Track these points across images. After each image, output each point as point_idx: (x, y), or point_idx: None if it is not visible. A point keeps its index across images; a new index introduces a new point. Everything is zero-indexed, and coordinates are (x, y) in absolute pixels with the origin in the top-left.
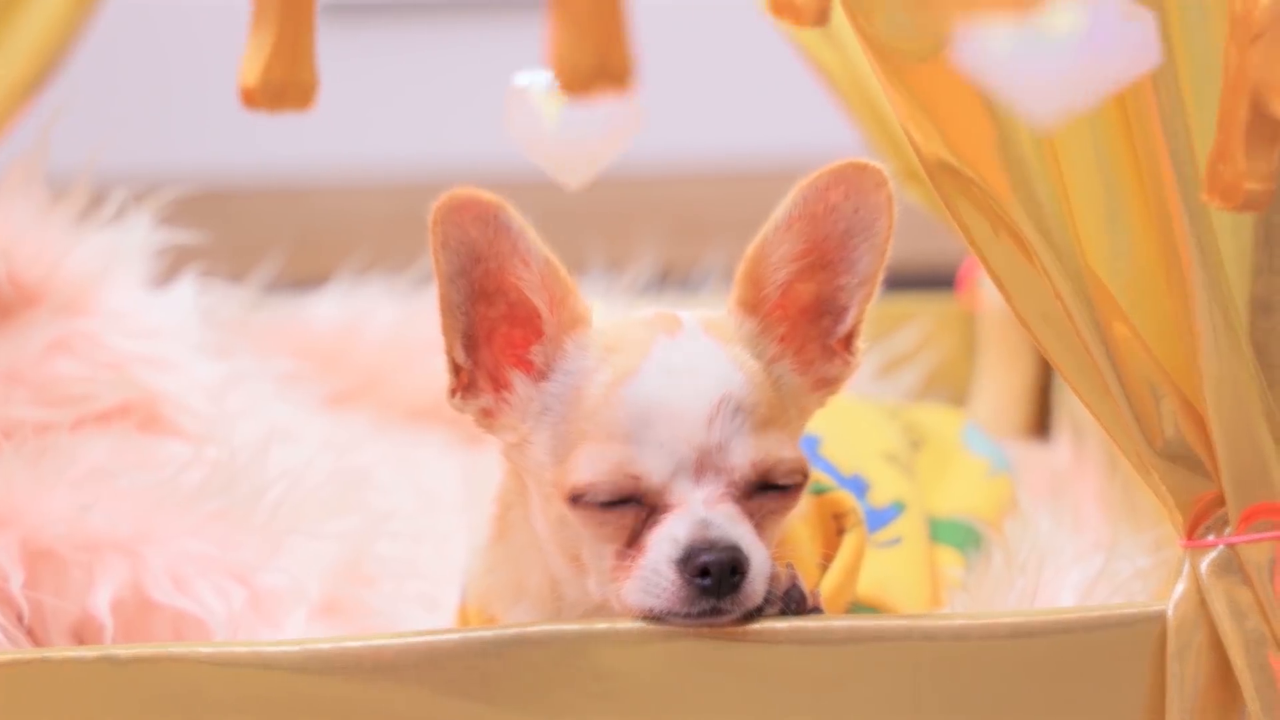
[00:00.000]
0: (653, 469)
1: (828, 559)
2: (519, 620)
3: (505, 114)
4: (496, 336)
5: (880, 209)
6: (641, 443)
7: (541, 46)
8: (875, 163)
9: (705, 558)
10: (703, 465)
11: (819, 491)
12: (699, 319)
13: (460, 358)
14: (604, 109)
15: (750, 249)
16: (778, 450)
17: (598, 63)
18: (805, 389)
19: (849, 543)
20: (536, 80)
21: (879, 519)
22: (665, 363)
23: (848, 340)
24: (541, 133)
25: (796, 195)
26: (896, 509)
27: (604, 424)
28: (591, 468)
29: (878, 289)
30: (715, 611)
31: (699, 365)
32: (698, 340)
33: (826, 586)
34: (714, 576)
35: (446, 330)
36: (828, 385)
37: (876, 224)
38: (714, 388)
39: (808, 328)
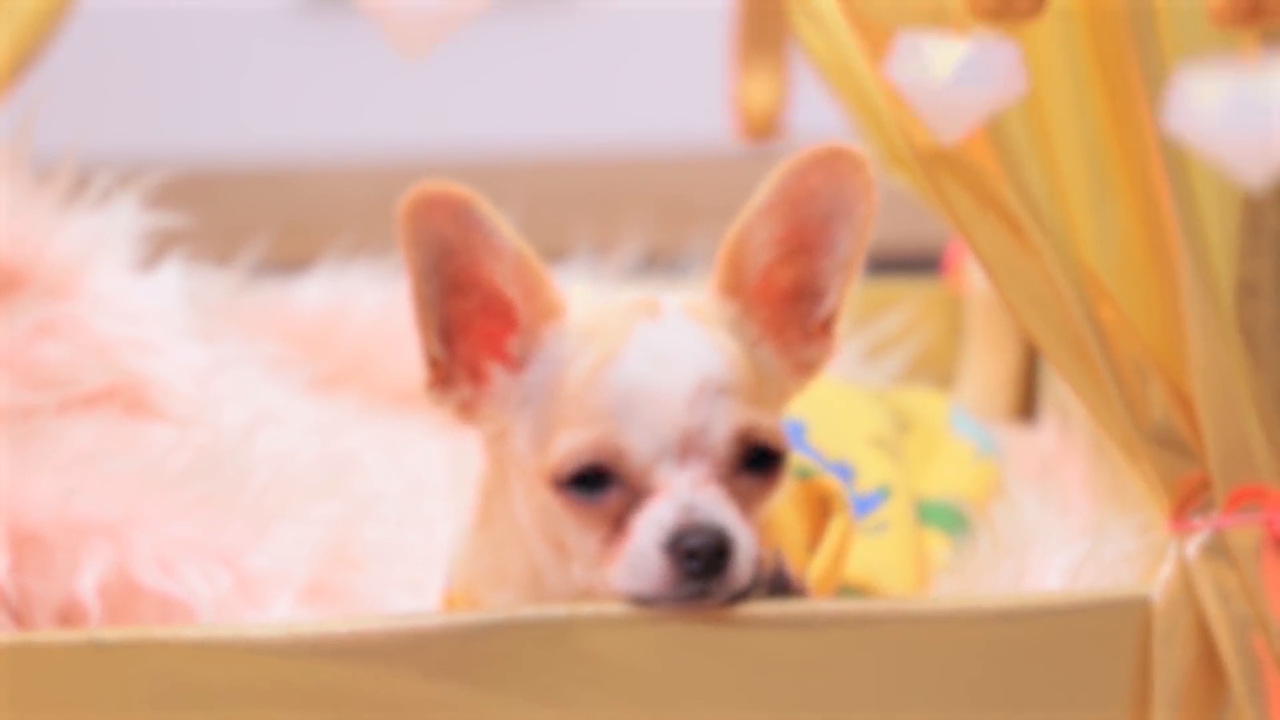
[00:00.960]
0: (635, 449)
1: (814, 543)
2: (503, 605)
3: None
4: (472, 329)
5: (860, 193)
6: (624, 424)
7: (526, 35)
8: (855, 147)
9: (692, 541)
10: (686, 448)
11: (805, 476)
12: (680, 303)
13: (436, 351)
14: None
15: (731, 233)
16: (758, 420)
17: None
18: (786, 372)
19: (836, 527)
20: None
21: (865, 505)
22: (646, 346)
23: (827, 324)
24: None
25: (776, 179)
26: (882, 495)
27: (586, 408)
28: (572, 444)
29: (857, 273)
30: (702, 594)
31: (680, 348)
32: (679, 324)
33: (814, 570)
34: (701, 559)
35: (421, 324)
36: (808, 369)
37: (856, 208)
38: (696, 370)
39: (788, 311)
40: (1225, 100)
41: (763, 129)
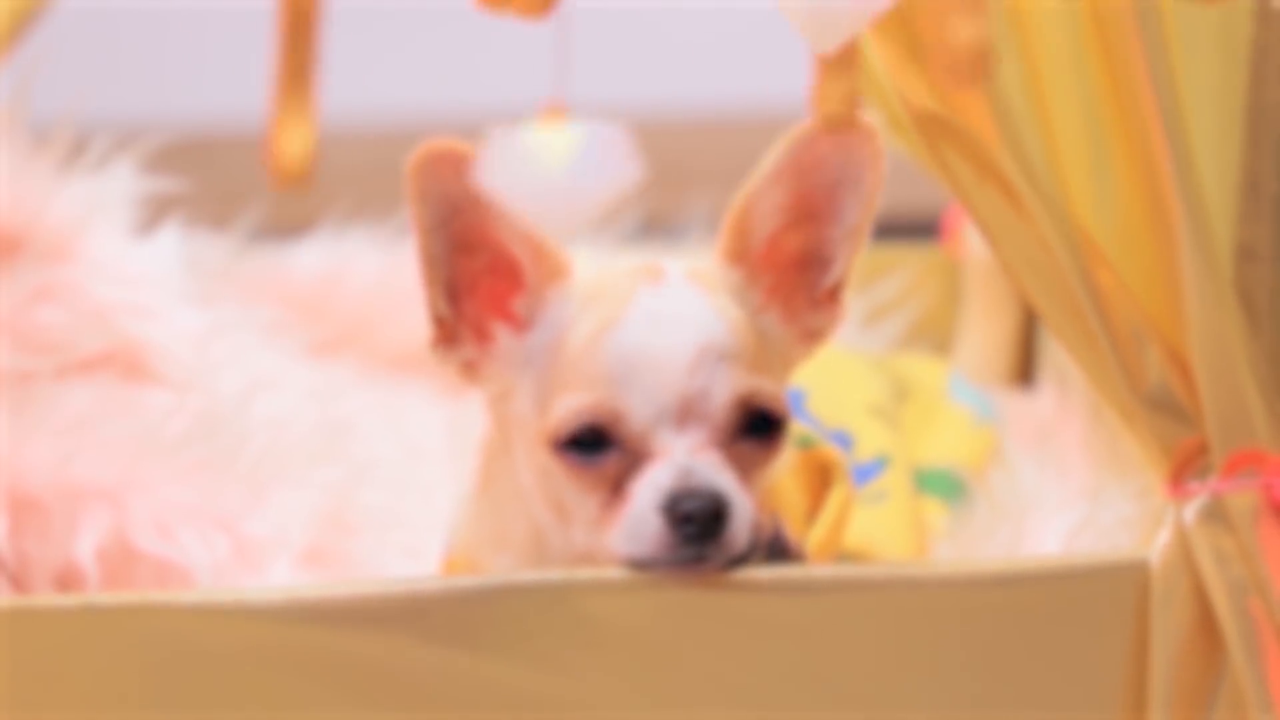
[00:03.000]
0: (634, 413)
1: (814, 512)
2: (503, 569)
3: None
4: (479, 289)
5: (868, 161)
6: (623, 388)
7: None
8: (864, 115)
9: (688, 504)
10: (685, 413)
11: (806, 445)
12: (683, 269)
13: (442, 310)
14: None
15: (737, 200)
16: (758, 388)
17: None
18: (791, 340)
19: (836, 495)
20: None
21: (863, 474)
22: (648, 311)
23: (834, 292)
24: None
25: (785, 146)
26: (880, 464)
27: (586, 372)
28: (572, 408)
29: (865, 241)
30: (699, 559)
31: (682, 313)
32: (681, 289)
33: (814, 539)
34: (697, 523)
35: (428, 282)
36: (814, 336)
37: (864, 176)
38: (697, 335)
39: (795, 279)
40: None
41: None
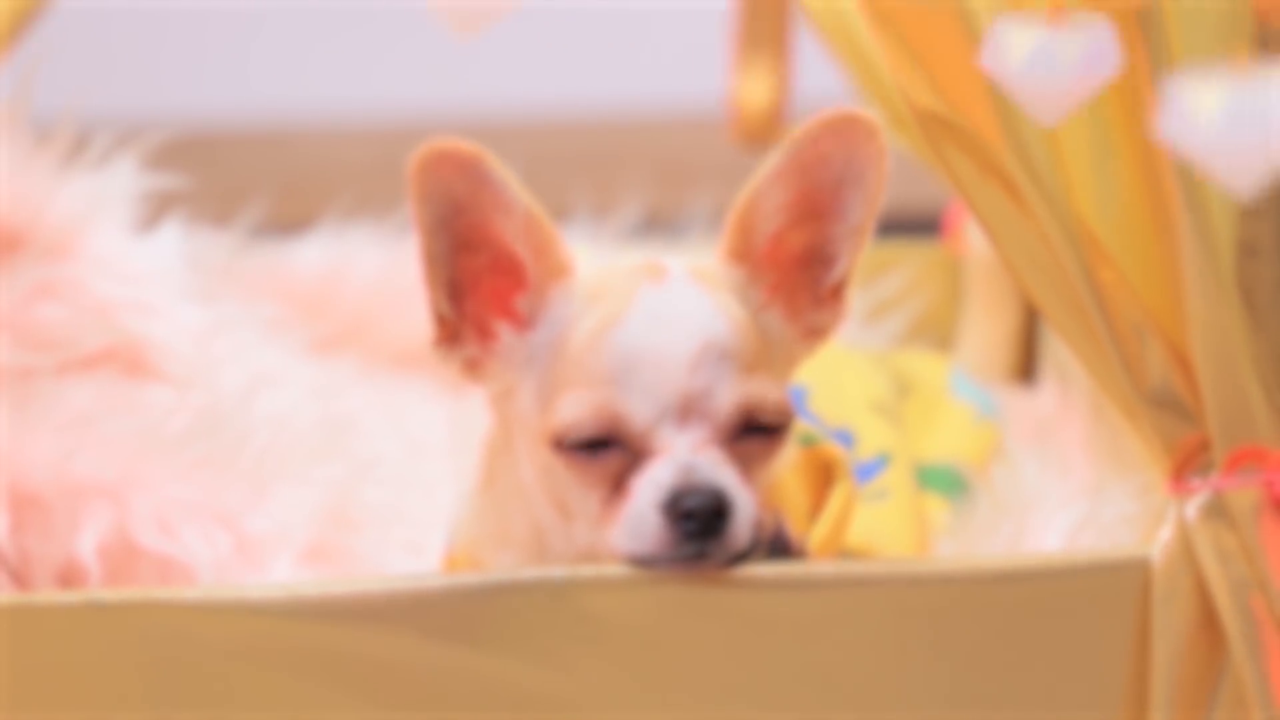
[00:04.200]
0: (636, 412)
1: (817, 510)
2: (505, 566)
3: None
4: (481, 287)
5: (872, 159)
6: (625, 387)
7: None
8: (868, 113)
9: (689, 501)
10: (687, 410)
11: (809, 443)
12: (686, 267)
13: (444, 308)
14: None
15: (741, 198)
16: (762, 392)
17: None
18: (794, 338)
19: (838, 493)
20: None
21: (865, 472)
22: (650, 309)
23: (838, 290)
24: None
25: (788, 144)
26: (882, 461)
27: (588, 370)
28: (573, 410)
29: (868, 239)
30: (700, 556)
31: (684, 311)
32: (684, 287)
33: (816, 537)
34: (698, 520)
35: (430, 281)
36: (817, 334)
37: (868, 174)
38: (699, 333)
39: (798, 277)
40: (1220, 108)
41: (759, 129)
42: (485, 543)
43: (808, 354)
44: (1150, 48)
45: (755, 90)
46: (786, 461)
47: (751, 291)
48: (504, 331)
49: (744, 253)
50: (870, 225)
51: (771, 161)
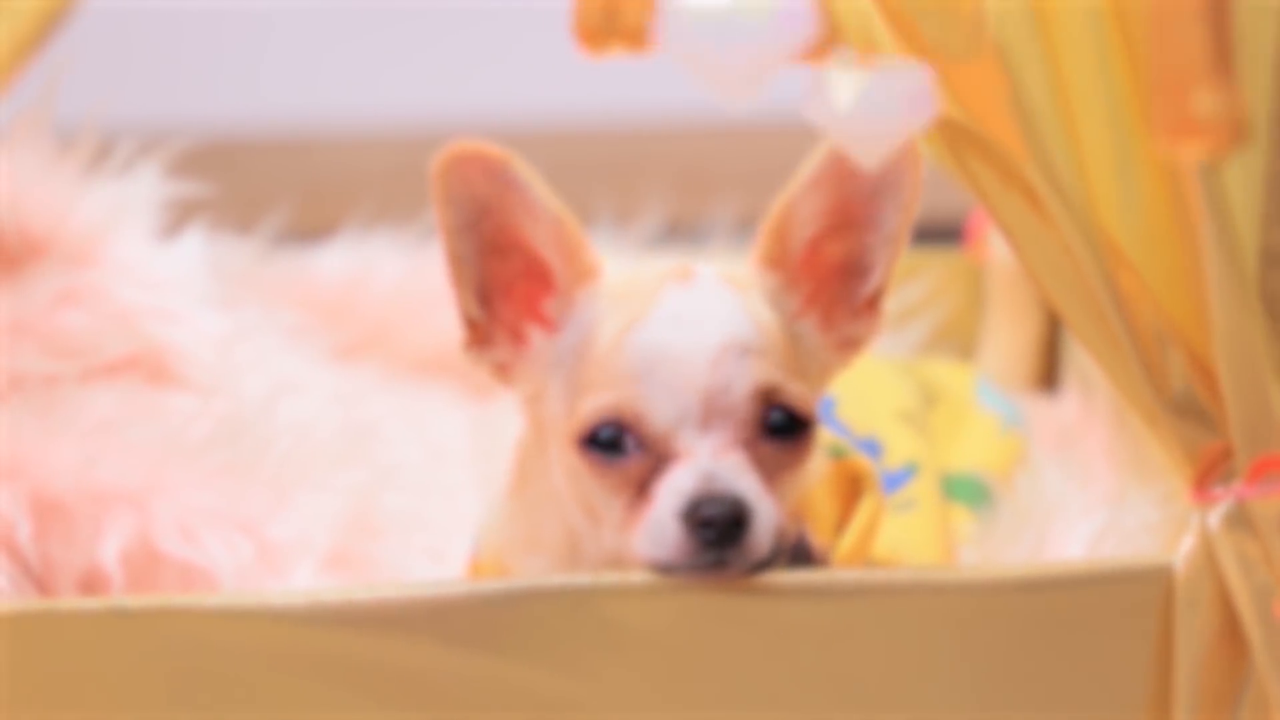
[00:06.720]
0: (657, 411)
1: (844, 523)
2: (534, 571)
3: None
4: (513, 292)
5: (906, 168)
6: (646, 386)
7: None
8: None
9: (708, 510)
10: (709, 413)
11: (838, 455)
12: (715, 271)
13: (474, 312)
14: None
15: (777, 205)
16: (781, 377)
17: (610, 20)
18: (829, 348)
19: (866, 505)
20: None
21: (893, 482)
22: (673, 310)
23: (873, 300)
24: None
25: (823, 153)
26: (910, 471)
27: (610, 370)
28: (594, 410)
29: (903, 248)
30: (720, 564)
31: (708, 312)
32: (709, 288)
33: (843, 548)
34: (716, 528)
35: (456, 283)
36: (852, 346)
37: (902, 183)
38: (720, 332)
39: (836, 288)
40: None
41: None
42: (514, 547)
43: (842, 366)
44: None
45: None
46: (816, 474)
47: (785, 298)
48: (534, 335)
49: (779, 259)
50: (905, 235)
51: (806, 169)
